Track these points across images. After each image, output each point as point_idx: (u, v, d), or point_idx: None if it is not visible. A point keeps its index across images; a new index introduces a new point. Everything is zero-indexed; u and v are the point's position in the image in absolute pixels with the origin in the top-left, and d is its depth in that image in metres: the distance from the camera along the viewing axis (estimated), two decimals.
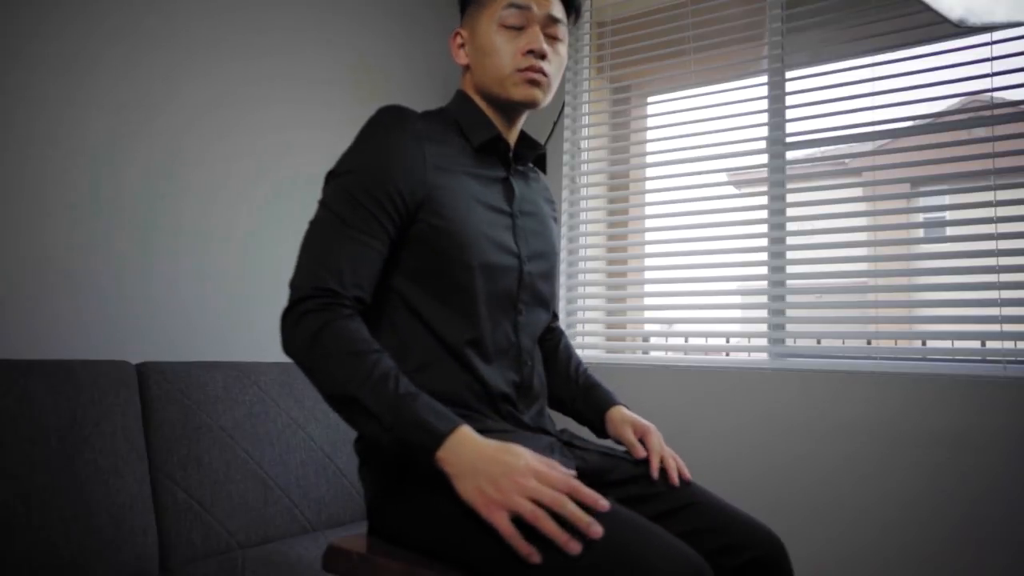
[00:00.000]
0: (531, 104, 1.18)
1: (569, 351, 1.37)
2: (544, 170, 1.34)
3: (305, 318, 1.01)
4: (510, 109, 1.20)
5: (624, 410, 1.26)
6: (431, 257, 1.09)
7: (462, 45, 1.22)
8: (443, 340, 1.10)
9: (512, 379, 1.15)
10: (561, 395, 1.32)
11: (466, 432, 0.94)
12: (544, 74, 1.15)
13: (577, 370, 1.33)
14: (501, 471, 0.90)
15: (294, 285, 1.07)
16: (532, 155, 1.28)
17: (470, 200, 1.12)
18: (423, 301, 1.10)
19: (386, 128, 1.12)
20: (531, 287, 1.18)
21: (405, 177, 1.08)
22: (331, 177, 1.12)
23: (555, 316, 1.39)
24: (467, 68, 1.22)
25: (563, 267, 2.56)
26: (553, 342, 1.37)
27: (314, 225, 1.10)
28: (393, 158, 1.09)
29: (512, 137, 1.24)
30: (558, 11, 1.17)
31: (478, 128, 1.19)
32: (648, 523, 0.92)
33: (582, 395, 1.30)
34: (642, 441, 1.20)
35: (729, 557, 1.03)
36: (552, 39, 1.18)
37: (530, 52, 1.14)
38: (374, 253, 1.07)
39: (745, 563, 1.03)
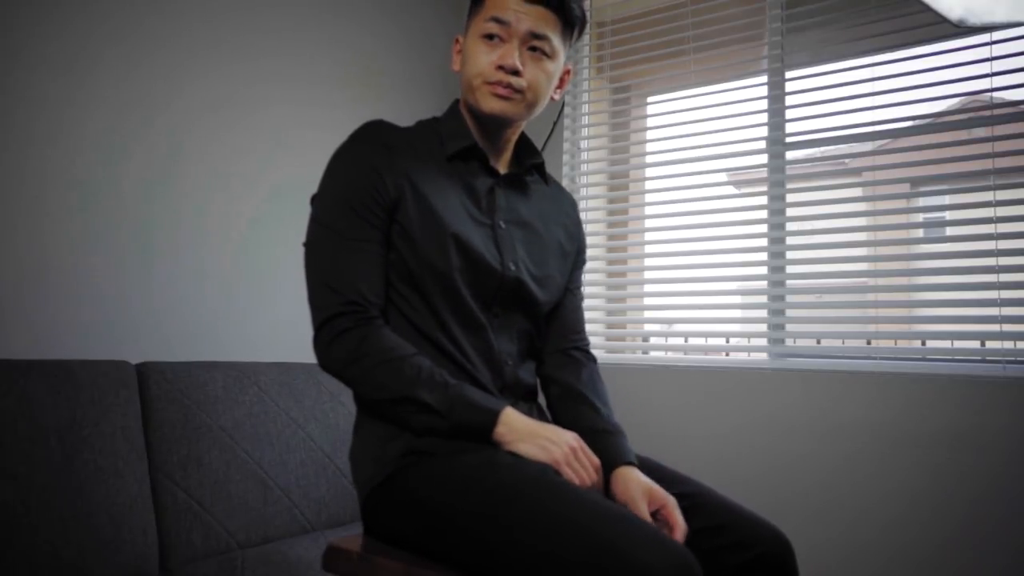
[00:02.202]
0: (500, 118, 1.18)
1: (589, 388, 1.24)
2: (544, 179, 1.33)
3: (341, 337, 1.09)
4: (486, 120, 1.20)
5: (639, 475, 1.09)
6: (402, 261, 1.14)
7: (460, 51, 1.23)
8: (428, 336, 1.14)
9: (490, 378, 1.17)
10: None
11: (511, 410, 1.08)
12: (515, 89, 1.15)
13: (593, 414, 1.21)
14: (556, 437, 1.05)
15: (318, 306, 1.12)
16: (528, 163, 1.28)
17: (442, 207, 1.15)
18: (404, 302, 1.15)
19: (358, 142, 1.18)
20: (514, 292, 1.19)
21: (378, 183, 1.13)
22: (316, 198, 1.18)
23: (577, 346, 1.31)
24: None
25: None
26: (571, 377, 1.26)
27: (314, 244, 1.15)
28: (365, 167, 1.14)
29: (500, 147, 1.25)
30: (543, 27, 1.15)
31: (455, 137, 1.21)
32: (633, 516, 0.93)
33: (588, 435, 1.14)
34: (657, 513, 1.04)
35: (737, 554, 1.03)
36: (538, 54, 1.17)
37: (501, 67, 1.15)
38: (378, 257, 1.13)
39: (753, 559, 1.03)
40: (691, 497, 1.09)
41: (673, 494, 1.06)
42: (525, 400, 1.23)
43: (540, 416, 1.24)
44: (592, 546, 0.86)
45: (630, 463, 1.12)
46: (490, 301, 1.18)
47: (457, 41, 1.24)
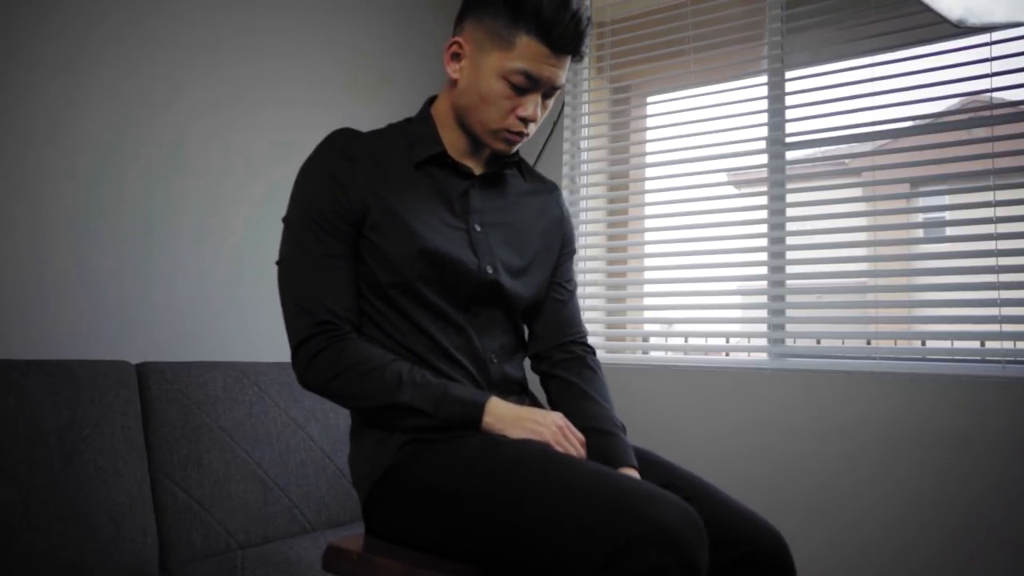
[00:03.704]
0: (503, 155, 1.22)
1: (589, 384, 1.25)
2: (523, 174, 1.33)
3: (317, 359, 1.10)
4: (481, 144, 1.22)
5: (638, 477, 1.09)
6: (372, 274, 1.15)
7: (457, 56, 1.17)
8: (408, 347, 1.15)
9: (475, 377, 1.18)
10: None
11: (496, 399, 1.11)
12: (526, 135, 1.18)
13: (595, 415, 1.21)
14: (542, 418, 1.09)
15: (292, 329, 1.14)
16: (506, 159, 1.27)
17: (411, 216, 1.15)
18: (379, 315, 1.16)
19: (319, 156, 1.17)
20: (493, 293, 1.19)
21: (340, 197, 1.13)
22: (286, 219, 1.19)
23: (575, 339, 1.32)
24: (454, 83, 1.18)
25: None
26: (572, 374, 1.27)
27: (284, 263, 1.16)
28: (326, 181, 1.14)
29: (482, 150, 1.24)
30: (563, 77, 1.17)
31: (424, 143, 1.21)
32: (634, 478, 0.96)
33: (591, 434, 1.16)
34: None
35: (733, 549, 1.02)
36: (548, 97, 1.19)
37: (522, 118, 1.16)
38: (346, 272, 1.14)
39: (748, 554, 1.03)
40: (687, 491, 1.09)
41: (669, 487, 1.05)
42: (516, 394, 1.23)
43: (532, 405, 1.23)
44: (601, 505, 0.88)
45: (632, 466, 1.13)
46: (467, 303, 1.18)
47: (456, 44, 1.16)
